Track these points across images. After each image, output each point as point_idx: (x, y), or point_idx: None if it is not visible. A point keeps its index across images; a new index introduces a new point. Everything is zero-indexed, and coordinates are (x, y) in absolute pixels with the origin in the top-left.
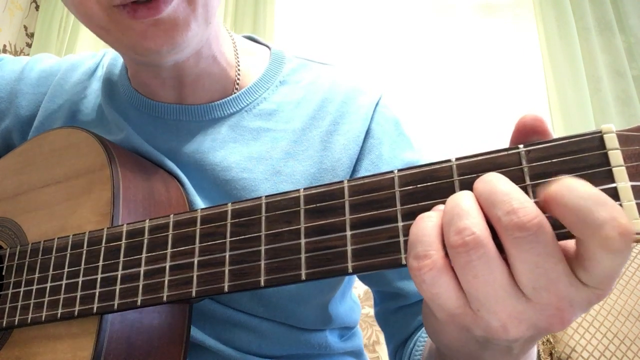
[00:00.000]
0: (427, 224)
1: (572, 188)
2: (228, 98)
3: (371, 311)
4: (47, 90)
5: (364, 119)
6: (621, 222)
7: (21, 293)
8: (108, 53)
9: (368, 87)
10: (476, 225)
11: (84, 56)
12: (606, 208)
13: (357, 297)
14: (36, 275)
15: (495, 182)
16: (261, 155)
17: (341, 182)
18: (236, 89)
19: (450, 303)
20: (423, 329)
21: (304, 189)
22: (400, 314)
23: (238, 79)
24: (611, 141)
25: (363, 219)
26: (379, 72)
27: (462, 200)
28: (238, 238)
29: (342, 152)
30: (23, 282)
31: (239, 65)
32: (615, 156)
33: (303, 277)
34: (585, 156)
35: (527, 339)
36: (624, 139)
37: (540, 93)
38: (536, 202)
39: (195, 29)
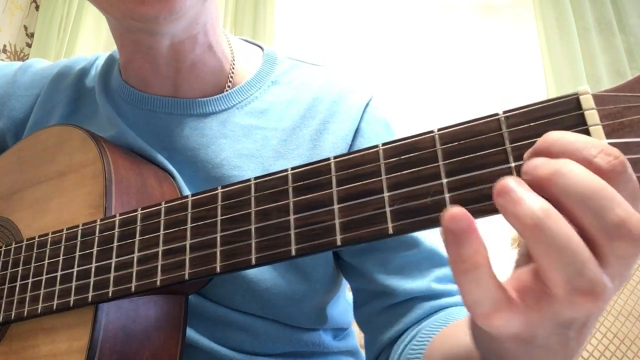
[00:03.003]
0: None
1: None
2: (220, 95)
3: None
4: (40, 92)
5: (354, 118)
6: None
7: (17, 287)
8: (101, 56)
9: (359, 87)
10: (598, 275)
11: (77, 59)
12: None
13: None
14: (31, 270)
15: (584, 178)
16: (251, 153)
17: (328, 158)
18: (229, 86)
19: None
20: (419, 332)
21: (292, 168)
22: (386, 315)
23: (232, 75)
24: (587, 102)
25: (349, 192)
26: (379, 73)
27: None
28: (228, 217)
29: (330, 150)
30: (18, 277)
31: (234, 62)
32: (592, 116)
33: (293, 253)
34: (563, 117)
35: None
36: (600, 99)
37: (540, 93)
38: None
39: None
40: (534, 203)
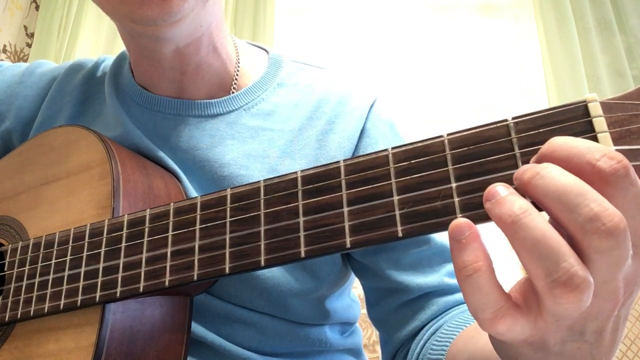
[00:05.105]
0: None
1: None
2: (227, 97)
3: None
4: (48, 92)
5: (359, 119)
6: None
7: (23, 287)
8: (108, 58)
9: (363, 89)
10: (576, 268)
11: (85, 61)
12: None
13: (357, 296)
14: (38, 269)
15: (559, 178)
16: (258, 153)
17: (337, 162)
18: (234, 88)
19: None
20: (438, 331)
21: (302, 170)
22: (401, 312)
23: (237, 77)
24: (595, 109)
25: (359, 196)
26: (379, 73)
27: (546, 238)
28: (237, 219)
29: (336, 150)
30: (25, 276)
31: (238, 64)
32: (600, 123)
33: (302, 255)
34: (571, 124)
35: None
36: (607, 107)
37: (540, 93)
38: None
39: (192, 2)
40: (514, 203)
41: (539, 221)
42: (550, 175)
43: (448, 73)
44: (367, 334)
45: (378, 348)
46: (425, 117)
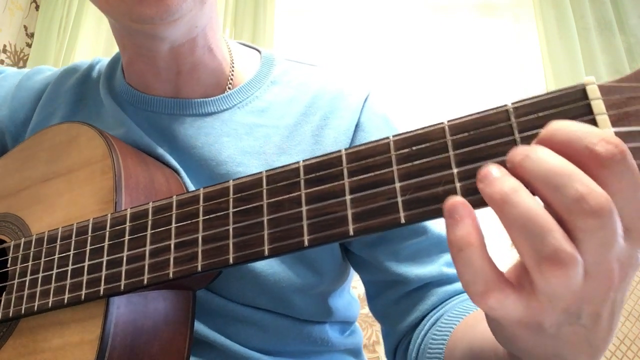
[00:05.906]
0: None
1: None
2: (221, 95)
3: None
4: (43, 94)
5: (354, 113)
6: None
7: (27, 282)
8: (103, 60)
9: (357, 84)
10: (561, 243)
11: (79, 63)
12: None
13: (356, 295)
14: (41, 264)
15: (547, 160)
16: (254, 150)
17: (339, 151)
18: (229, 87)
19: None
20: (439, 321)
21: (304, 160)
22: (401, 303)
23: (231, 77)
24: (593, 92)
25: (361, 183)
26: (379, 73)
27: (533, 214)
28: (240, 210)
29: (332, 145)
30: (28, 272)
31: (233, 64)
32: (598, 105)
33: (306, 244)
34: (570, 108)
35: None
36: (606, 89)
37: (540, 93)
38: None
39: (190, 2)
40: (504, 182)
41: (528, 200)
42: (537, 157)
43: (448, 73)
44: (367, 334)
45: (378, 348)
46: (426, 117)
